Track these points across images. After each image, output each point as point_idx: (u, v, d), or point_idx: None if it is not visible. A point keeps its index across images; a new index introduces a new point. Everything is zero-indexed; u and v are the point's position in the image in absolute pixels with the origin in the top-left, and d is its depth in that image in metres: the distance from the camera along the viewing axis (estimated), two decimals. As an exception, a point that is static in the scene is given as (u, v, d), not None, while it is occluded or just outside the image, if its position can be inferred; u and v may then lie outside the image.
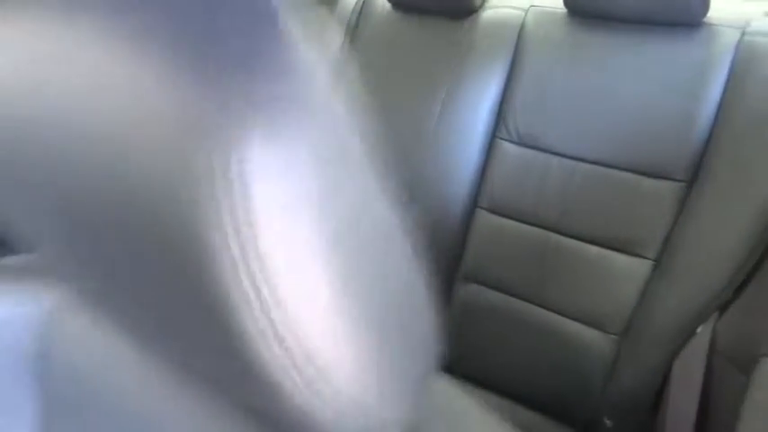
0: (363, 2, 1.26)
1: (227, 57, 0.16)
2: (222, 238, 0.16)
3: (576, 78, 0.94)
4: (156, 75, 0.16)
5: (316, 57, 0.19)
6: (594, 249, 0.93)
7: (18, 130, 0.20)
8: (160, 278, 0.19)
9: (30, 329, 0.39)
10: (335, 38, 1.24)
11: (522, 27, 1.01)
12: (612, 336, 0.92)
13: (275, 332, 0.17)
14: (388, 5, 1.20)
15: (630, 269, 0.90)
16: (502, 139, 1.01)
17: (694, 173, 0.85)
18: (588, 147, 0.93)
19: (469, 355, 1.08)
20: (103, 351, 0.35)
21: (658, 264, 0.88)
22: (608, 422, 0.94)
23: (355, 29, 1.24)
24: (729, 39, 0.85)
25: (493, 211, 1.02)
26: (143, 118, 0.16)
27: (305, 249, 0.17)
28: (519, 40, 1.01)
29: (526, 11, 1.02)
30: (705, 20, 0.86)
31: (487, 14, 1.07)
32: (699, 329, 0.82)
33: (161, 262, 0.18)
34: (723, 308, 0.80)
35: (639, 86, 0.90)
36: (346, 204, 0.19)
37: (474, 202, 1.04)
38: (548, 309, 0.98)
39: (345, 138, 0.20)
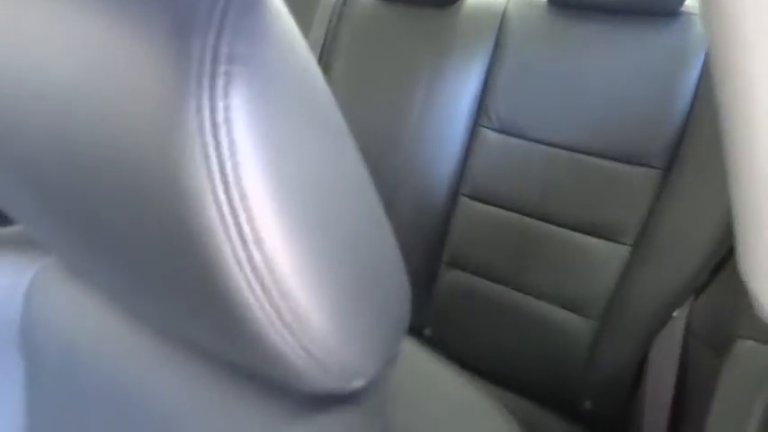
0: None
1: (215, 17, 0.16)
2: (209, 179, 0.17)
3: (557, 67, 0.95)
4: (146, 30, 0.17)
5: (293, 26, 0.20)
6: (574, 235, 0.95)
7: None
8: (145, 224, 0.19)
9: (14, 299, 0.39)
10: (320, 23, 1.24)
11: (504, 16, 1.02)
12: (591, 320, 0.94)
13: (255, 271, 0.18)
14: (371, -6, 1.20)
15: (609, 254, 0.92)
16: (484, 126, 1.02)
17: (671, 159, 0.87)
18: (568, 134, 0.94)
19: (452, 339, 1.09)
20: (88, 319, 0.35)
21: (636, 249, 0.89)
22: (587, 404, 0.96)
23: (339, 17, 1.24)
24: None
25: (475, 198, 1.03)
26: (135, 73, 0.17)
27: (285, 191, 0.18)
28: (500, 29, 1.01)
29: (507, 0, 1.03)
30: (683, 8, 0.88)
31: (469, 4, 1.07)
32: (675, 313, 0.84)
33: (147, 208, 0.19)
34: (699, 291, 0.82)
35: (618, 75, 0.91)
36: (318, 156, 0.20)
37: (457, 189, 1.05)
38: (528, 294, 1.00)
39: (316, 97, 0.21)
